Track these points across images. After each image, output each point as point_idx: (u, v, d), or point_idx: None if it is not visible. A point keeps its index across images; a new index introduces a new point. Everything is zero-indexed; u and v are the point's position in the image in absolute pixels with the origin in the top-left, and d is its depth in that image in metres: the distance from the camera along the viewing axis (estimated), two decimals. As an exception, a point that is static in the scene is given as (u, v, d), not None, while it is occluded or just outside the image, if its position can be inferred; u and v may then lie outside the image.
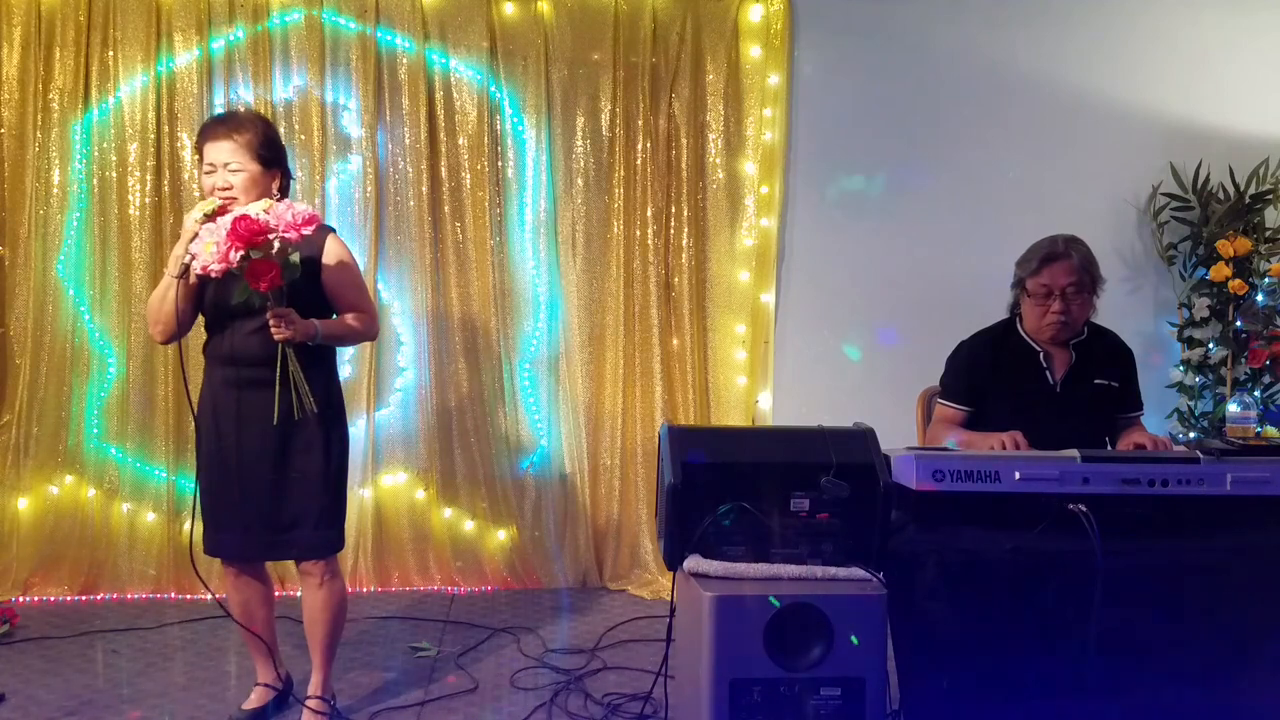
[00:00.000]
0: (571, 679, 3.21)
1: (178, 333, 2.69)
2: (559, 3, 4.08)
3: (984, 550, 2.24)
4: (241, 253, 2.40)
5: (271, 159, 2.68)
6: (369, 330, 2.78)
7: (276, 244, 2.43)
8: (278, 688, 2.92)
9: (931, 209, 4.23)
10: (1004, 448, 2.55)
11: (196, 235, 2.50)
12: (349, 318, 2.73)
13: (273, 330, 2.52)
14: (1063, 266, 2.83)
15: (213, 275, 2.46)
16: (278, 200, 2.61)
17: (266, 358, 2.58)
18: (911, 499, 2.28)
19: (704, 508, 2.25)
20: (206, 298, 2.67)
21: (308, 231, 2.49)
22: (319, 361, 2.71)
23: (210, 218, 2.52)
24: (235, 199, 2.59)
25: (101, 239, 3.96)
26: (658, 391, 4.15)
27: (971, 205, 4.22)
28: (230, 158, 2.61)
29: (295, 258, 2.50)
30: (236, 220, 2.40)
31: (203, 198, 2.66)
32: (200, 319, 2.75)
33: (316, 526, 2.71)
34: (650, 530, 4.14)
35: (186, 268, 2.54)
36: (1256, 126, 4.28)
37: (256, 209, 2.46)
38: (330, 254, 2.71)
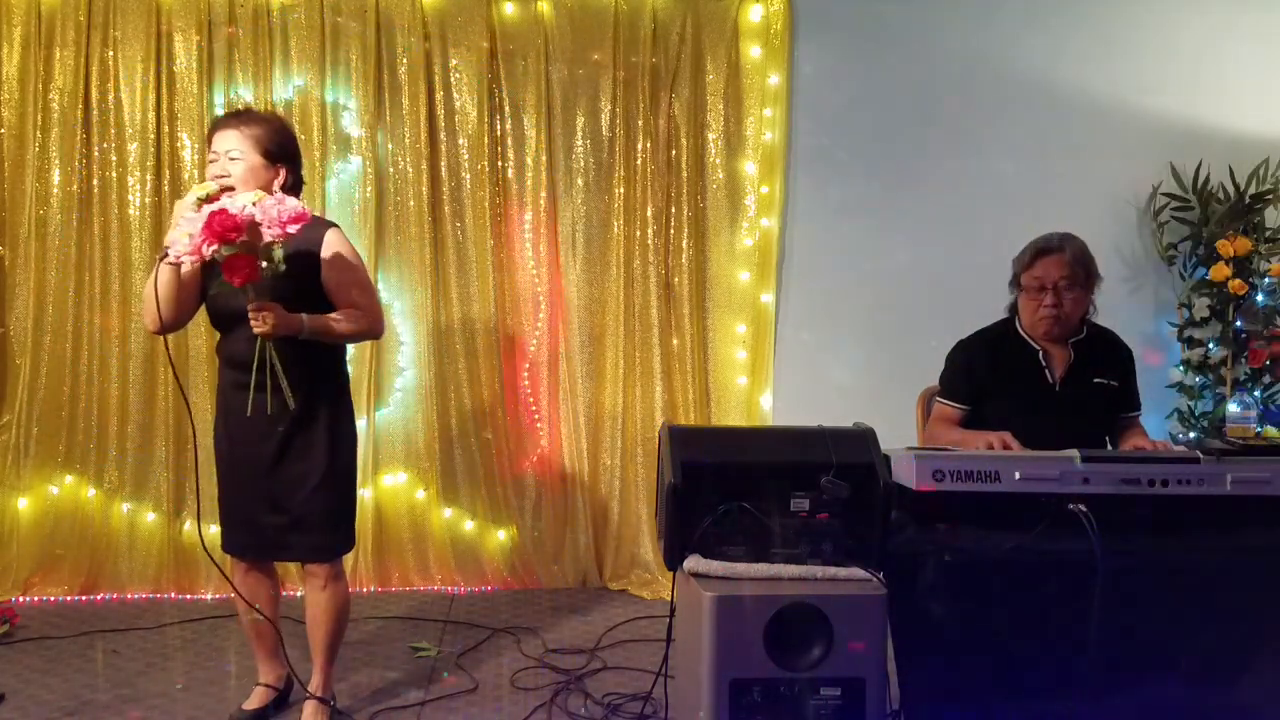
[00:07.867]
0: (571, 679, 3.21)
1: (167, 324, 2.62)
2: (559, 3, 4.07)
3: (984, 550, 2.23)
4: (214, 247, 2.34)
5: (278, 155, 2.63)
6: (368, 328, 2.70)
7: (265, 238, 2.38)
8: (278, 688, 2.92)
9: (931, 209, 4.23)
10: (991, 448, 2.53)
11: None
12: (344, 313, 2.64)
13: (252, 324, 2.47)
14: (1055, 260, 2.85)
15: (184, 265, 2.44)
16: (277, 195, 2.53)
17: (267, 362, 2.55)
18: (911, 499, 2.28)
19: (704, 508, 2.25)
20: (218, 305, 2.66)
21: (293, 230, 2.40)
22: (320, 360, 2.68)
23: (207, 201, 2.45)
24: (233, 187, 2.54)
25: (102, 239, 3.96)
26: (658, 391, 4.16)
27: (971, 205, 4.22)
28: (233, 145, 2.58)
29: (279, 254, 2.43)
30: (213, 214, 2.34)
31: None
32: (205, 317, 2.74)
33: (321, 529, 2.70)
34: (650, 530, 4.14)
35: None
36: (1256, 126, 4.28)
37: (245, 200, 2.40)
38: (329, 249, 2.64)
